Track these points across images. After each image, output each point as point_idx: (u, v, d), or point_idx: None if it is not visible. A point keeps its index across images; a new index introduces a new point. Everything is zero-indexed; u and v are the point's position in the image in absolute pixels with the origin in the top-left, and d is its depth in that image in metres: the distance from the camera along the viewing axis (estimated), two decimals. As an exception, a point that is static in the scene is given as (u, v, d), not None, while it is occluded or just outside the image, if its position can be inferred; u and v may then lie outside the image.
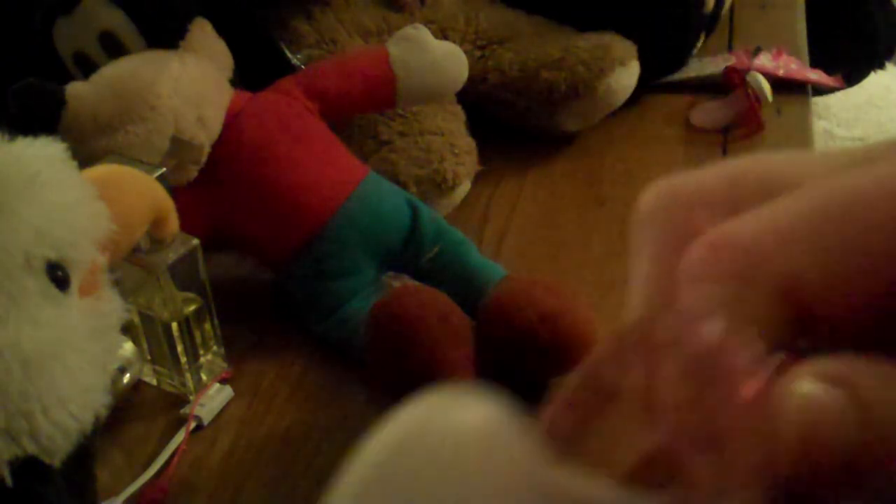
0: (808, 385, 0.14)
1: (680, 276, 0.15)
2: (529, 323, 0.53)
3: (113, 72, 0.57)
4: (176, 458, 0.52)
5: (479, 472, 0.13)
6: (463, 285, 0.58)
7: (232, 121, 0.60)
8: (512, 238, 0.69)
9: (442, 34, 0.77)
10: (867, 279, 0.14)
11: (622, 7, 0.78)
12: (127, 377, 0.56)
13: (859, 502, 0.13)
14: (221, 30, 0.63)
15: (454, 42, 0.69)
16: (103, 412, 0.38)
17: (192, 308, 0.55)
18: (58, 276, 0.36)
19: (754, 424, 0.13)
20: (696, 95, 0.82)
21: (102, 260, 0.40)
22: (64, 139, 0.40)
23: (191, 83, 0.58)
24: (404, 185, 0.65)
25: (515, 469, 0.13)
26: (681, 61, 0.84)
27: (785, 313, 0.14)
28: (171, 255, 0.52)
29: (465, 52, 0.67)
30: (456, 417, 0.14)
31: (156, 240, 0.51)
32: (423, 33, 0.64)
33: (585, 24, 0.77)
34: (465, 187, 0.69)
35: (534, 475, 0.13)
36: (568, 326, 0.53)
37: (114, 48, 0.61)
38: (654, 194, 0.17)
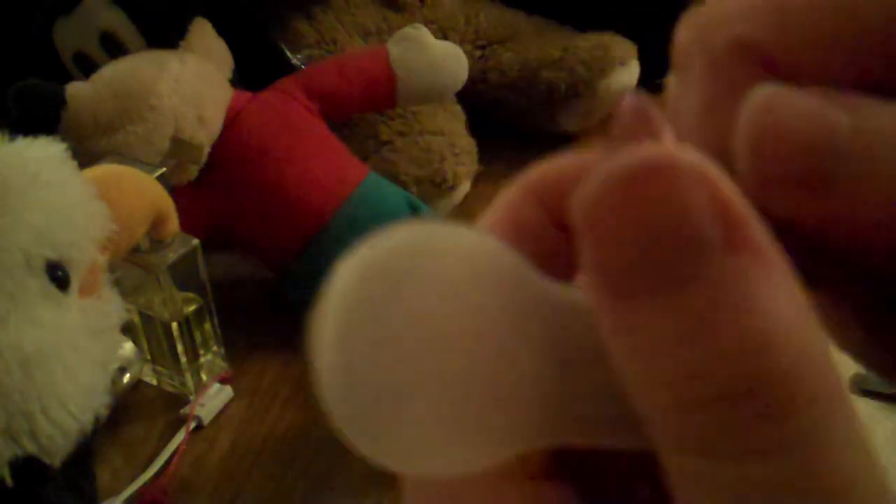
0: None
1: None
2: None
3: (113, 72, 0.57)
4: (176, 458, 0.52)
5: (463, 288, 0.13)
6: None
7: (232, 121, 0.60)
8: (512, 238, 0.69)
9: (442, 34, 0.77)
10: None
11: (622, 7, 0.78)
12: (127, 377, 0.56)
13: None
14: (221, 30, 0.63)
15: (454, 42, 0.69)
16: (103, 412, 0.38)
17: (192, 308, 0.55)
18: (58, 276, 0.36)
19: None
20: (696, 95, 0.82)
21: (102, 260, 0.40)
22: (64, 139, 0.40)
23: (191, 83, 0.58)
24: (404, 185, 0.65)
25: (501, 286, 0.13)
26: (681, 61, 0.84)
27: (749, 71, 0.14)
28: (171, 255, 0.52)
29: (465, 52, 0.67)
30: (444, 240, 0.13)
31: (156, 240, 0.51)
32: (423, 33, 0.64)
33: (585, 24, 0.77)
34: (465, 187, 0.69)
35: (517, 288, 0.13)
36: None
37: (114, 48, 0.61)
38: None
